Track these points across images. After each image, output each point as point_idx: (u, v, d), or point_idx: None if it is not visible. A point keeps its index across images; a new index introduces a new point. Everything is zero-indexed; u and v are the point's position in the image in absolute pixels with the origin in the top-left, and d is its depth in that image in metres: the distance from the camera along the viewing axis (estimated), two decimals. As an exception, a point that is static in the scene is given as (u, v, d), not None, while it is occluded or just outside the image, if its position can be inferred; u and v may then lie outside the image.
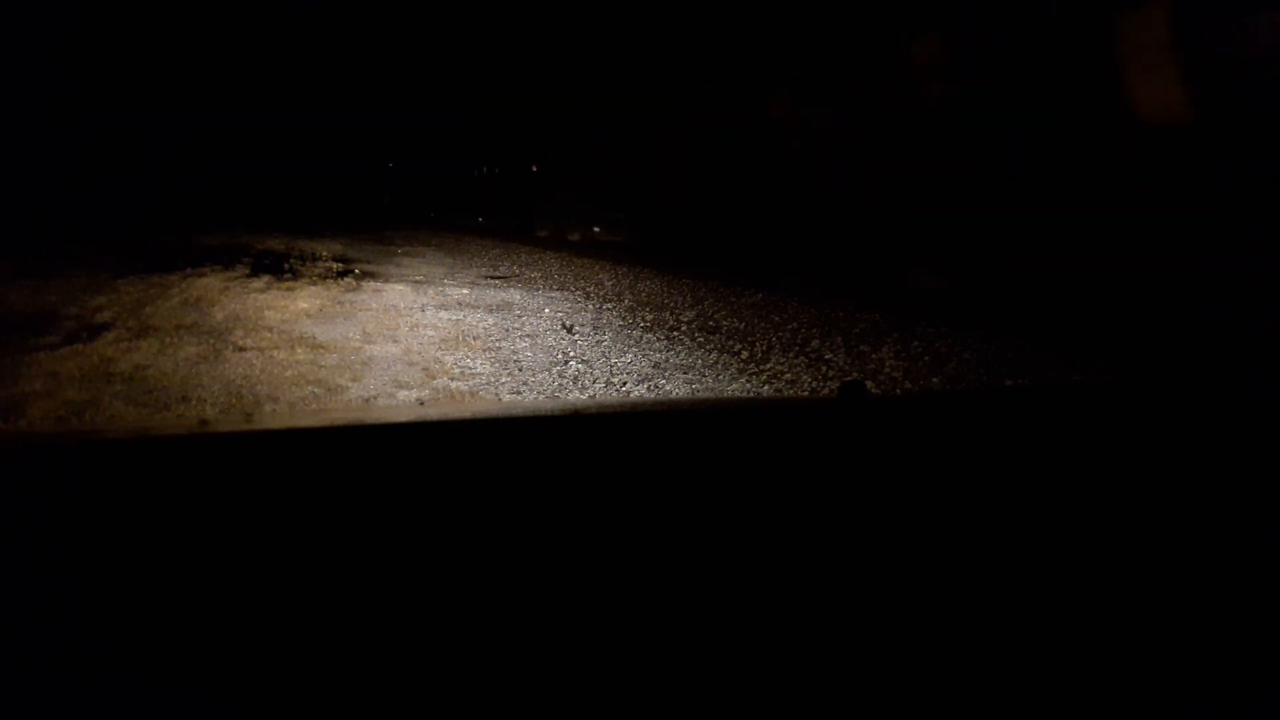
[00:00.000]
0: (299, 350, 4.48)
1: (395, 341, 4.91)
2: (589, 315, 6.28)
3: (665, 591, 0.61)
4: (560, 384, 4.02)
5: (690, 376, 4.21)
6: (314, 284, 7.56)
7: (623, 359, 4.60)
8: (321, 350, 4.52)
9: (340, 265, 9.70)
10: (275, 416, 2.78)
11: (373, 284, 7.94)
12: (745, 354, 4.77)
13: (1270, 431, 0.97)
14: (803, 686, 0.52)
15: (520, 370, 4.27)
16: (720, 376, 4.23)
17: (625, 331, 5.53)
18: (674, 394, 3.89)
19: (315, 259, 10.33)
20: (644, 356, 4.68)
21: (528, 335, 5.31)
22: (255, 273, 8.14)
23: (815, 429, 1.03)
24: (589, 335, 5.37)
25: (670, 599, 0.60)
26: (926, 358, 4.60)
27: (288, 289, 7.06)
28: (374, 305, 6.42)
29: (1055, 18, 6.33)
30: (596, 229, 15.38)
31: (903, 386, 4.07)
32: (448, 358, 4.50)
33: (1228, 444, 0.93)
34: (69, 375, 3.79)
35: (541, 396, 3.79)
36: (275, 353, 4.39)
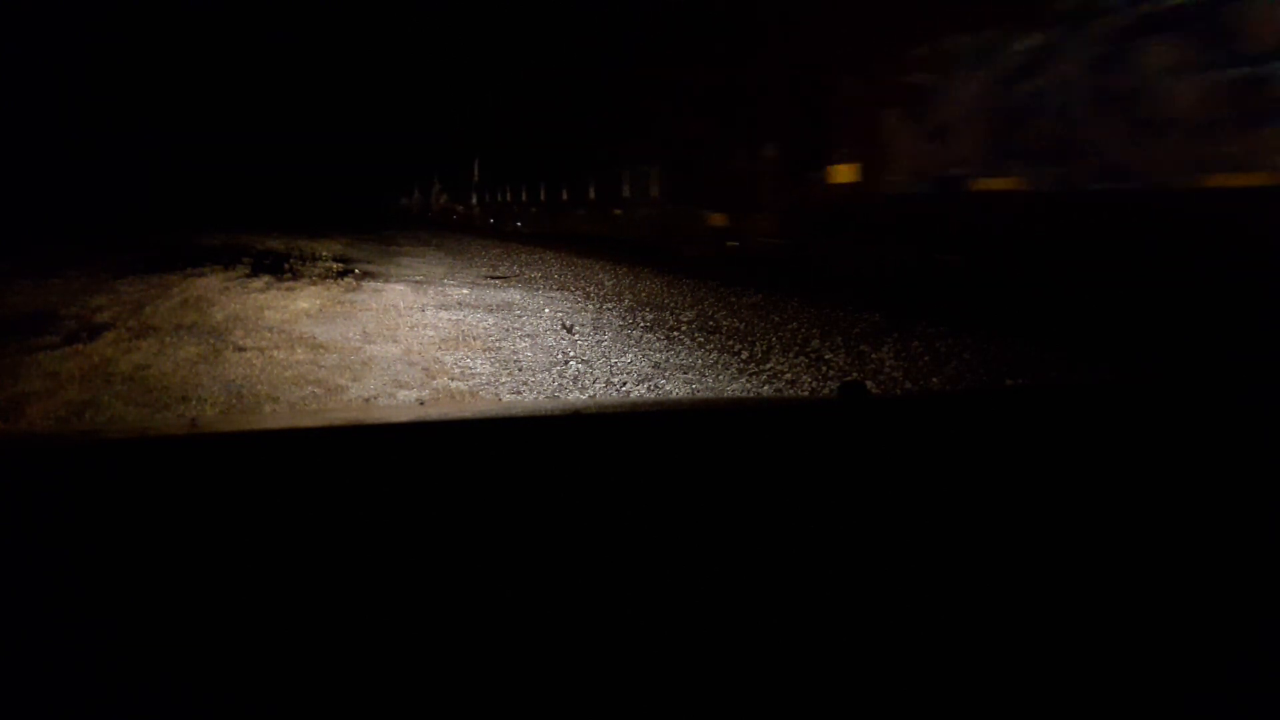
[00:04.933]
0: (299, 350, 4.48)
1: (395, 341, 4.91)
2: (589, 315, 6.28)
3: (666, 590, 0.61)
4: (560, 384, 4.02)
5: (690, 376, 4.21)
6: (314, 284, 7.56)
7: (623, 359, 4.60)
8: (321, 350, 4.52)
9: (340, 265, 9.71)
10: (275, 416, 2.78)
11: (373, 284, 7.94)
12: (745, 354, 4.77)
13: (1270, 431, 0.97)
14: (803, 683, 0.52)
15: (520, 370, 4.27)
16: (720, 376, 4.23)
17: (625, 331, 5.53)
18: (674, 394, 3.89)
19: (315, 259, 10.33)
20: (644, 356, 4.68)
21: (528, 335, 5.31)
22: (255, 273, 8.14)
23: (815, 429, 1.03)
24: (589, 335, 5.37)
25: (671, 597, 0.60)
26: (926, 358, 4.59)
27: (288, 289, 7.06)
28: (374, 305, 6.41)
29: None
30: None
31: (903, 386, 4.06)
32: (448, 358, 4.50)
33: (1228, 443, 0.93)
34: (69, 375, 3.79)
35: (541, 396, 3.79)
36: (275, 353, 4.38)
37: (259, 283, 7.35)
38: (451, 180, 29.09)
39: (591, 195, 15.52)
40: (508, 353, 4.71)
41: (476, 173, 25.42)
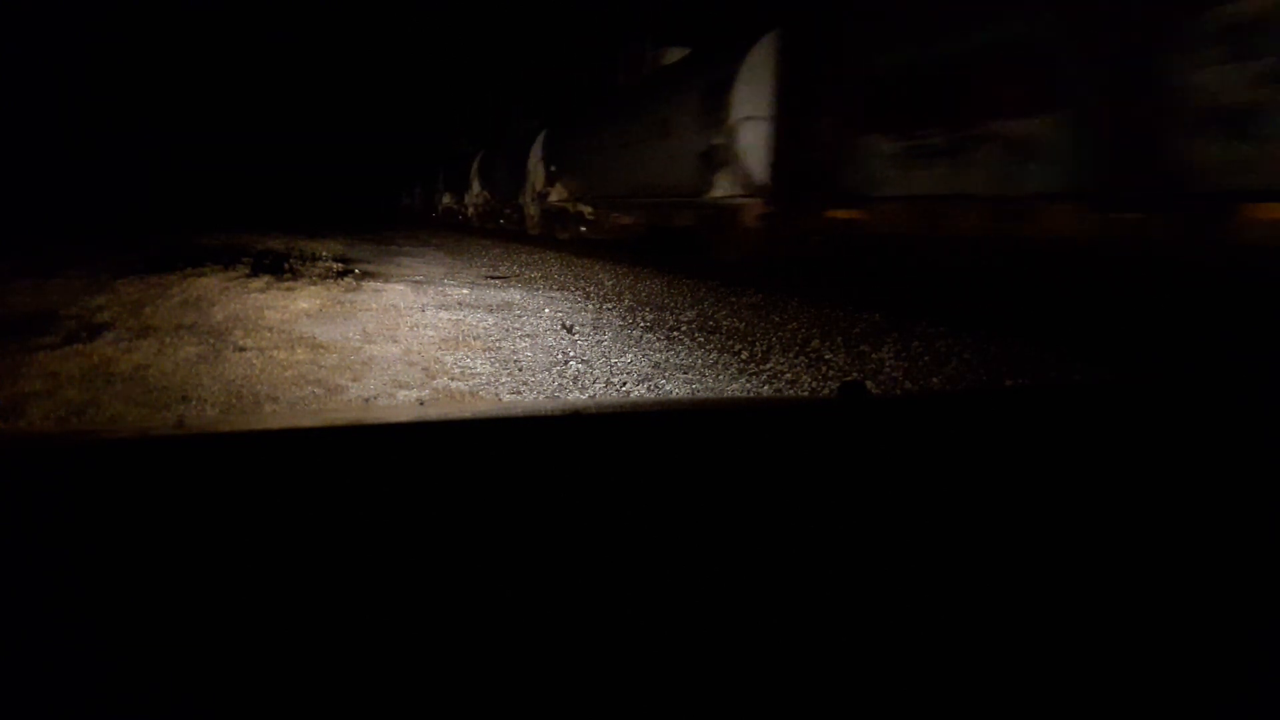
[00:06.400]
0: (299, 350, 4.48)
1: (395, 341, 4.91)
2: (589, 315, 6.28)
3: (666, 591, 0.61)
4: (560, 384, 4.02)
5: (690, 376, 4.21)
6: (314, 284, 7.56)
7: (623, 359, 4.60)
8: (321, 350, 4.52)
9: (340, 265, 9.71)
10: (275, 416, 2.78)
11: (373, 284, 7.94)
12: (745, 354, 4.77)
13: (1270, 431, 0.97)
14: (802, 684, 0.52)
15: (520, 370, 4.26)
16: (720, 376, 4.23)
17: (625, 331, 5.53)
18: (674, 394, 3.89)
19: (315, 259, 10.33)
20: (644, 356, 4.68)
21: (528, 335, 5.31)
22: (255, 272, 8.14)
23: (815, 429, 1.03)
24: (589, 335, 5.37)
25: (671, 598, 0.60)
26: (926, 358, 4.59)
27: (288, 289, 7.06)
28: (374, 305, 6.41)
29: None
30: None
31: (903, 386, 4.06)
32: (448, 358, 4.50)
33: (1227, 443, 0.93)
34: (69, 375, 3.78)
35: (541, 396, 3.79)
36: (275, 353, 4.38)
37: (259, 283, 7.35)
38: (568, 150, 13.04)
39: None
40: (508, 353, 4.71)
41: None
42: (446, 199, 23.56)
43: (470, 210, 20.72)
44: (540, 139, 15.03)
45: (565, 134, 13.99)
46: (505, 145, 17.68)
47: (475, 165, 20.15)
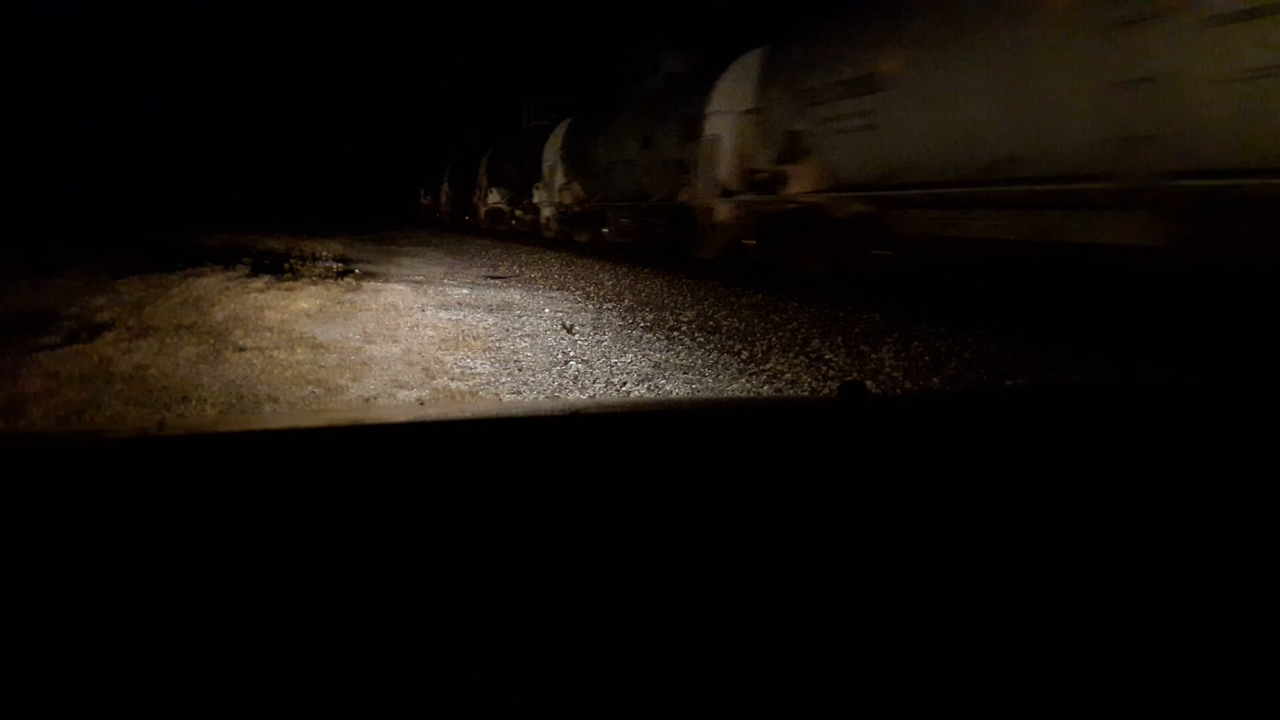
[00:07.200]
0: (299, 350, 4.48)
1: (395, 341, 4.91)
2: (589, 315, 6.28)
3: (665, 592, 0.61)
4: (560, 384, 4.02)
5: (690, 376, 4.21)
6: (314, 284, 7.56)
7: (623, 359, 4.60)
8: (321, 350, 4.52)
9: (340, 265, 9.72)
10: (275, 416, 2.78)
11: (373, 284, 7.94)
12: (745, 354, 4.77)
13: (1270, 432, 0.97)
14: (802, 687, 0.52)
15: (520, 370, 4.26)
16: (720, 376, 4.23)
17: (625, 331, 5.53)
18: (674, 394, 3.89)
19: (315, 259, 10.34)
20: (644, 356, 4.68)
21: (528, 335, 5.31)
22: (255, 273, 8.15)
23: (815, 429, 1.03)
24: (589, 335, 5.37)
25: (670, 600, 0.60)
26: (926, 358, 4.59)
27: (288, 289, 7.06)
28: (374, 305, 6.41)
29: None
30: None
31: (903, 386, 4.06)
32: (448, 358, 4.50)
33: (1228, 444, 0.93)
34: (69, 375, 3.78)
35: (541, 396, 3.79)
36: (275, 353, 4.38)
37: (259, 283, 7.35)
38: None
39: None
40: (508, 353, 4.71)
41: None
42: (493, 197, 16.48)
43: (546, 214, 13.16)
44: (746, 72, 8.06)
45: (830, 53, 6.78)
46: (624, 106, 10.43)
47: (556, 144, 12.43)
